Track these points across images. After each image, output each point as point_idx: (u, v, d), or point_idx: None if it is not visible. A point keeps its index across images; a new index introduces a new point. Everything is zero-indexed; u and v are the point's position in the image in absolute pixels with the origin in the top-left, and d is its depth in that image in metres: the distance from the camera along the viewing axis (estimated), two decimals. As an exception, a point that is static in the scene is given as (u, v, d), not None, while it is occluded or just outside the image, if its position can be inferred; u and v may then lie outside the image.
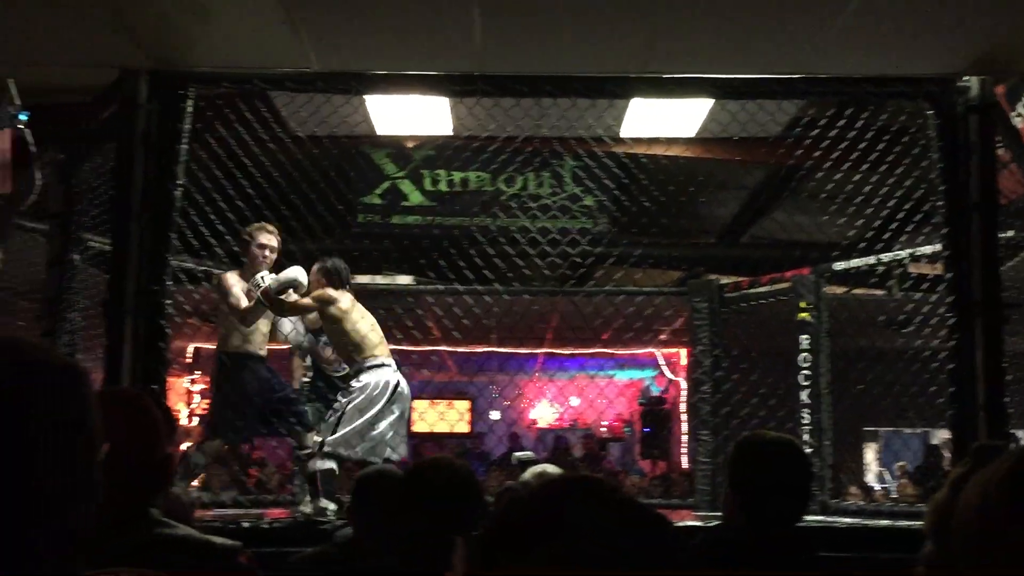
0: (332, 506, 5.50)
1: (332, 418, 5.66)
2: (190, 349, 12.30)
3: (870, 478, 12.54)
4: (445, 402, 15.48)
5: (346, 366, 6.01)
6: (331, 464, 5.58)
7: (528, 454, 5.33)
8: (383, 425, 5.69)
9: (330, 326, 5.87)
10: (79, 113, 4.98)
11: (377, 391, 5.70)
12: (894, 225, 5.66)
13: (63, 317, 4.96)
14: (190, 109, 4.63)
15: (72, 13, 4.23)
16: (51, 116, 5.13)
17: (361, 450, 5.58)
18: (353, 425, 5.59)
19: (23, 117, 4.85)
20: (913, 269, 6.67)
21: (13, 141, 4.92)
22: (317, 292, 5.79)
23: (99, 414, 1.10)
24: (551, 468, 4.03)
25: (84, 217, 5.07)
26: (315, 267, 5.87)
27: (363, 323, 5.84)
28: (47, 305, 5.02)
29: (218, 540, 2.20)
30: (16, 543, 0.94)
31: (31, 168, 4.93)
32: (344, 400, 5.70)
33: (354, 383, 5.74)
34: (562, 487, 0.98)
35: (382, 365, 5.80)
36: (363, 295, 7.10)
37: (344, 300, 5.83)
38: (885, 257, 6.48)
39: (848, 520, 5.86)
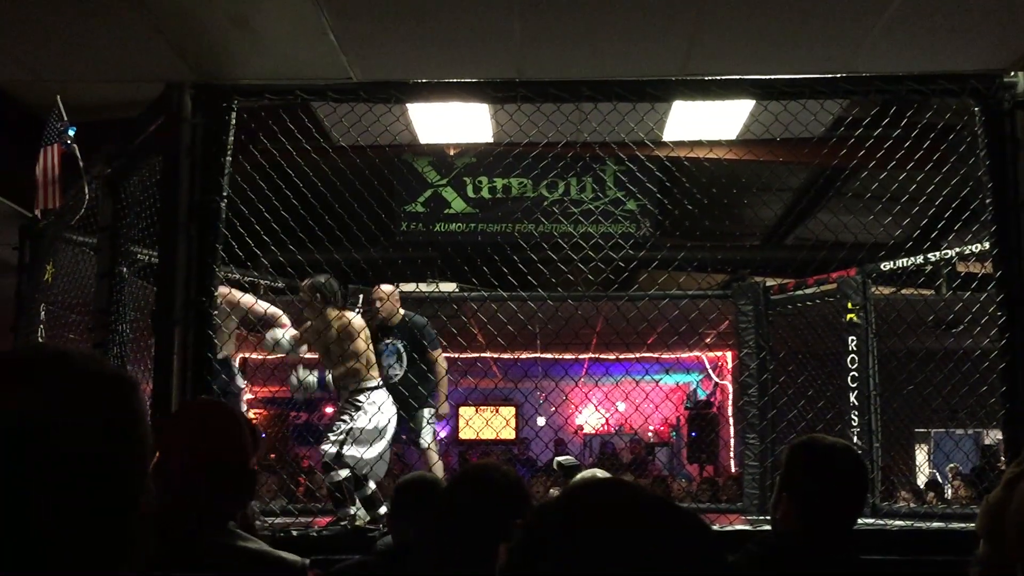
0: (353, 509, 5.70)
1: (341, 433, 5.76)
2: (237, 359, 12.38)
3: (921, 480, 12.36)
4: (490, 408, 15.50)
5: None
6: (347, 472, 5.73)
7: (570, 458, 5.28)
8: (381, 446, 5.87)
9: (337, 346, 5.92)
10: (126, 128, 5.04)
11: (384, 412, 5.88)
12: (941, 224, 5.58)
13: (113, 329, 5.02)
14: (234, 121, 4.68)
15: (117, 30, 4.28)
16: (98, 131, 5.21)
17: (368, 467, 5.75)
18: (366, 442, 5.76)
19: (71, 132, 4.93)
20: (961, 268, 6.59)
21: (62, 156, 5.00)
22: (340, 324, 5.88)
23: (147, 424, 1.11)
24: (600, 473, 4.00)
25: (132, 230, 5.12)
26: (306, 283, 5.93)
27: (365, 342, 5.95)
28: (98, 317, 5.08)
29: (289, 556, 2.24)
30: (18, 542, 0.96)
31: (80, 183, 5.02)
32: (355, 417, 5.79)
33: (363, 400, 5.84)
34: (590, 490, 0.98)
35: (380, 387, 5.93)
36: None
37: (349, 316, 5.94)
38: (932, 256, 6.41)
39: (899, 523, 5.79)
